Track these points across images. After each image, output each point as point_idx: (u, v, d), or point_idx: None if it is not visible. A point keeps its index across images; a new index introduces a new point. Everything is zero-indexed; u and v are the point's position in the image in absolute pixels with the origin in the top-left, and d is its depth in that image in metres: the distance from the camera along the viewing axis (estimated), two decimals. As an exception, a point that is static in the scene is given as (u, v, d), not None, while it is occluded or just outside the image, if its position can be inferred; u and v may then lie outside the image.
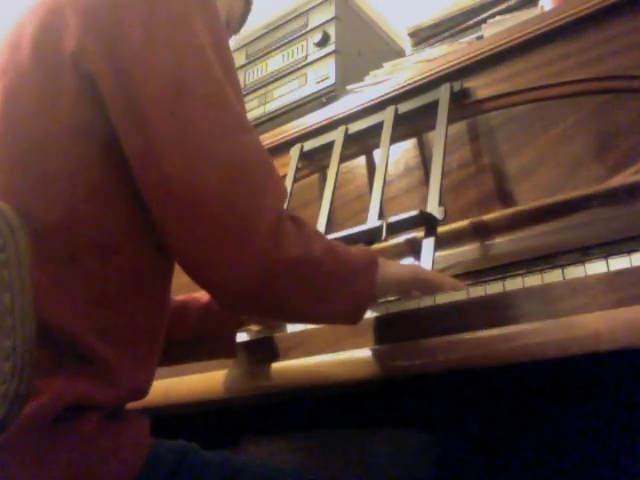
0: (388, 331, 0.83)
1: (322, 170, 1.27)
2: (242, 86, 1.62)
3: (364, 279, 0.77)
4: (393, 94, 1.17)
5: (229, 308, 0.74)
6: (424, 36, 1.41)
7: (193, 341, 0.95)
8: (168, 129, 0.63)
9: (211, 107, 0.65)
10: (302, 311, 0.76)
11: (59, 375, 0.63)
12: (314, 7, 1.51)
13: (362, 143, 1.22)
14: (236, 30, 1.10)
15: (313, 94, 1.44)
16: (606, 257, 0.72)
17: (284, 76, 1.53)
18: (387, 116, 1.14)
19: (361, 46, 1.53)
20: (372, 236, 0.98)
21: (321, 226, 1.11)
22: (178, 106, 0.64)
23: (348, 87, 1.39)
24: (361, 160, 1.23)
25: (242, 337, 1.03)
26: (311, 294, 0.72)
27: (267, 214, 0.65)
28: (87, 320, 0.66)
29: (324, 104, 1.39)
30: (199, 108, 0.64)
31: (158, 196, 0.65)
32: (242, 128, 0.68)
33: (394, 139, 1.12)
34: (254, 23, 1.63)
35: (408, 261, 0.99)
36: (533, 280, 0.77)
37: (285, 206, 1.20)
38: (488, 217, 0.95)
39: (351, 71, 1.45)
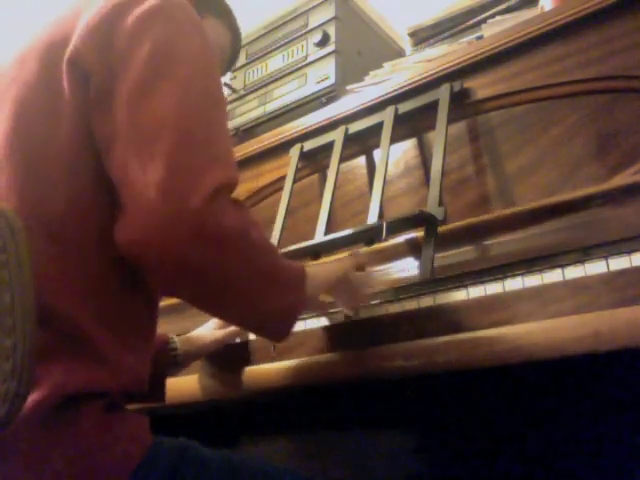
0: (388, 331, 0.83)
1: (322, 170, 1.27)
2: (242, 86, 1.62)
3: (295, 291, 0.76)
4: (393, 94, 1.17)
5: (157, 282, 0.70)
6: (424, 36, 1.41)
7: None
8: (129, 118, 0.66)
9: (176, 96, 0.66)
10: (229, 297, 0.71)
11: (59, 363, 0.65)
12: (314, 7, 1.51)
13: (362, 143, 1.22)
14: (228, 66, 1.14)
15: (313, 94, 1.44)
16: (606, 257, 0.72)
17: (284, 76, 1.53)
18: (387, 116, 1.14)
19: (361, 46, 1.53)
20: (372, 236, 0.98)
21: (321, 226, 1.11)
22: (142, 99, 0.66)
23: (348, 87, 1.39)
24: (361, 160, 1.23)
25: (243, 337, 1.03)
26: (241, 275, 0.69)
27: (207, 181, 0.64)
28: (88, 308, 0.68)
29: (324, 104, 1.39)
30: (164, 95, 0.66)
31: (116, 175, 0.67)
32: (209, 110, 0.69)
33: (394, 139, 1.12)
34: (254, 23, 1.64)
35: (408, 261, 0.99)
36: (533, 280, 0.77)
37: (285, 206, 1.21)
38: (488, 217, 0.95)
39: (351, 71, 1.45)
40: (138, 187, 0.63)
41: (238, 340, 1.03)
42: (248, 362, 0.98)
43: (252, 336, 1.02)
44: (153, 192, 0.62)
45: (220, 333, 1.02)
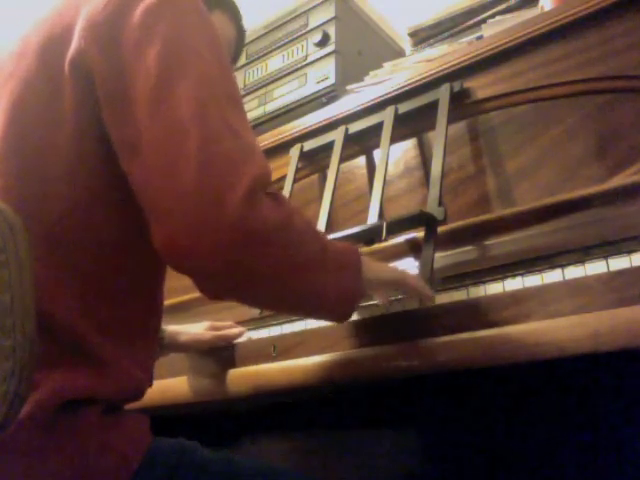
0: (388, 331, 0.83)
1: (322, 170, 1.27)
2: (242, 86, 1.62)
3: (351, 270, 0.74)
4: (393, 94, 1.17)
5: (208, 290, 0.67)
6: (424, 36, 1.41)
7: None
8: (152, 122, 0.63)
9: (196, 90, 0.64)
10: (282, 290, 0.70)
11: (58, 369, 0.64)
12: (314, 7, 1.51)
13: (362, 143, 1.22)
14: (232, 61, 1.12)
15: (313, 94, 1.44)
16: (606, 257, 0.72)
17: (284, 76, 1.53)
18: (387, 116, 1.14)
19: (361, 46, 1.53)
20: (372, 236, 0.98)
21: (321, 226, 1.11)
22: (162, 99, 0.64)
23: (348, 87, 1.39)
24: (361, 160, 1.23)
25: (242, 337, 1.03)
26: (290, 269, 0.68)
27: (243, 181, 0.62)
28: (86, 315, 0.67)
29: (324, 104, 1.39)
30: (182, 94, 0.64)
31: (142, 180, 0.64)
32: (227, 104, 0.67)
33: (394, 139, 1.12)
34: (254, 23, 1.64)
35: (408, 261, 0.99)
36: (533, 280, 0.77)
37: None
38: (488, 217, 0.95)
39: (351, 71, 1.45)
40: (170, 191, 0.61)
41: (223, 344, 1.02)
42: (249, 362, 0.98)
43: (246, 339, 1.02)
44: (187, 196, 0.60)
45: (207, 335, 1.01)
